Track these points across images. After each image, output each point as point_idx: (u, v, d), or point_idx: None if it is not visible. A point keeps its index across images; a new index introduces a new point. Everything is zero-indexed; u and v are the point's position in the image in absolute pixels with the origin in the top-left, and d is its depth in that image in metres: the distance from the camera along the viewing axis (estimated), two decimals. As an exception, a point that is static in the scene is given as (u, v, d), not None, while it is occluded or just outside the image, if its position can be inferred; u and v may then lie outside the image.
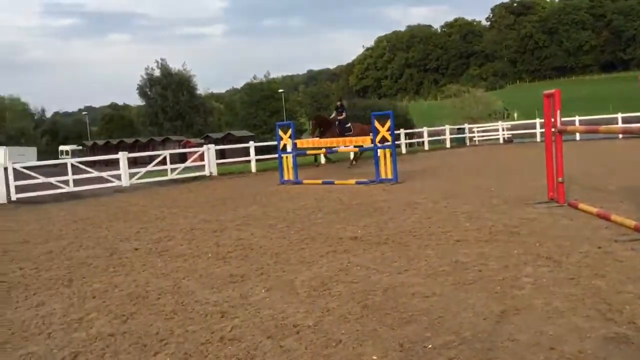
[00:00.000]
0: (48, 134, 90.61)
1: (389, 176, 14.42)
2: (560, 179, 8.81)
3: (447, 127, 34.65)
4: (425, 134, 32.80)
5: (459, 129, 37.00)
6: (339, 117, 20.12)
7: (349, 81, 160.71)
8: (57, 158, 53.77)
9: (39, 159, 54.42)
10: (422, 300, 4.82)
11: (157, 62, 65.09)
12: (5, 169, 15.98)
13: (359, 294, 5.09)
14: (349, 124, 20.23)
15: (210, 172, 20.83)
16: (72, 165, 17.85)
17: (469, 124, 39.33)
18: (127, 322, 4.79)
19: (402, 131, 30.26)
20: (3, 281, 6.55)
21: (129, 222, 10.80)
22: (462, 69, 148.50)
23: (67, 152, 62.28)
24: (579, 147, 23.84)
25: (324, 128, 19.41)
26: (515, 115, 59.83)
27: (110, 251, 7.92)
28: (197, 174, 20.93)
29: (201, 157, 21.47)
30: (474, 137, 36.34)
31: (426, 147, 32.48)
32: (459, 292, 4.95)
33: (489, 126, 38.52)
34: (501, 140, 35.04)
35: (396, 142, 29.50)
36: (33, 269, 7.14)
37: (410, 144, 33.43)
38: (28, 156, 59.09)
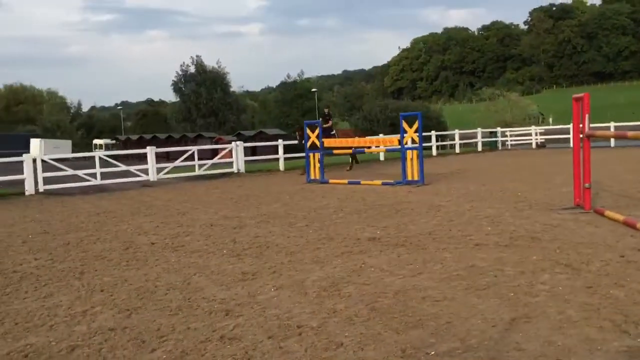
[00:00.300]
0: (83, 127, 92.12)
1: (416, 178, 14.22)
2: (587, 185, 8.54)
3: (479, 131, 34.18)
4: (457, 137, 32.41)
5: (491, 132, 36.45)
6: (324, 125, 20.03)
7: (384, 82, 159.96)
8: (91, 151, 54.64)
9: (73, 152, 55.33)
10: (432, 304, 4.67)
11: (192, 58, 65.71)
12: (34, 160, 16.20)
13: (369, 296, 4.96)
14: (334, 132, 20.22)
15: (238, 169, 20.84)
16: (101, 158, 18.02)
17: (502, 128, 38.75)
18: (131, 317, 4.74)
19: (433, 133, 29.95)
20: (16, 271, 6.58)
21: (151, 216, 10.82)
22: (499, 73, 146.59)
23: (100, 146, 63.25)
24: (613, 154, 23.27)
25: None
26: (551, 120, 58.84)
27: (126, 245, 7.91)
28: (225, 170, 20.97)
29: (230, 154, 21.46)
30: (507, 141, 35.79)
31: (457, 150, 32.08)
32: (471, 298, 4.79)
33: (522, 130, 37.88)
34: (534, 145, 34.42)
35: (427, 145, 29.35)
36: (48, 260, 7.17)
37: (442, 147, 33.06)
38: (63, 149, 60.20)
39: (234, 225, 9.18)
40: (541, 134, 35.97)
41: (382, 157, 25.06)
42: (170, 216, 10.66)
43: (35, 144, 59.80)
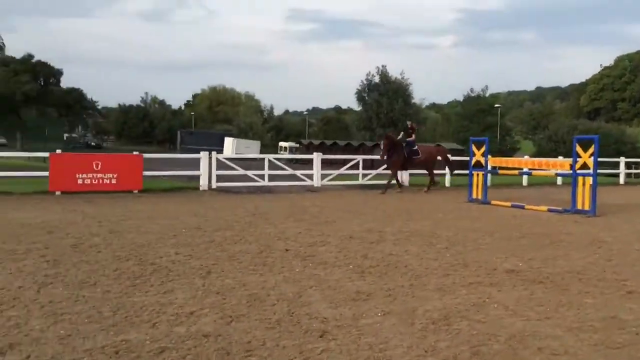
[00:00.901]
0: (274, 130, 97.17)
1: (586, 207, 12.97)
2: None
3: (680, 160, 30.60)
4: (651, 165, 29.33)
5: (695, 163, 32.44)
6: (407, 139, 19.16)
7: (579, 101, 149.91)
8: (277, 153, 57.67)
9: (262, 152, 58.58)
10: (546, 358, 4.11)
11: (377, 68, 66.47)
12: (210, 158, 17.27)
13: (478, 337, 4.51)
14: (416, 147, 19.23)
15: (402, 182, 20.56)
16: (270, 161, 18.79)
17: None
18: (230, 324, 4.73)
19: (622, 160, 27.36)
20: (154, 263, 6.94)
21: (299, 222, 10.96)
22: None
23: (285, 148, 66.21)
24: None
25: (392, 149, 18.45)
26: None
27: (262, 248, 8.04)
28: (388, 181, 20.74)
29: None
30: None
31: (651, 180, 29.02)
32: (597, 356, 4.15)
33: None
34: None
35: (614, 172, 26.93)
36: (187, 255, 7.48)
37: (635, 175, 30.10)
38: (252, 148, 63.98)
39: (373, 239, 8.98)
40: None
41: (559, 182, 23.34)
42: (317, 224, 10.71)
43: (228, 142, 64.29)
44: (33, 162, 24.64)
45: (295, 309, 5.17)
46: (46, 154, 16.59)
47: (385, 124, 61.25)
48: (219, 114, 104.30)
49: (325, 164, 22.99)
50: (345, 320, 4.90)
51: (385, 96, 62.75)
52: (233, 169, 18.03)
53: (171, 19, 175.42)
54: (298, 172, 18.99)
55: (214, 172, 17.39)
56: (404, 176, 20.67)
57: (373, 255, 7.72)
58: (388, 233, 9.68)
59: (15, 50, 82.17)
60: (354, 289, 5.89)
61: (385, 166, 19.51)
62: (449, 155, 20.86)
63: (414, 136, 19.37)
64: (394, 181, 18.84)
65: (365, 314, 5.08)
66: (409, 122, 20.49)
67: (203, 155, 17.44)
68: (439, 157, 20.21)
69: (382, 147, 18.56)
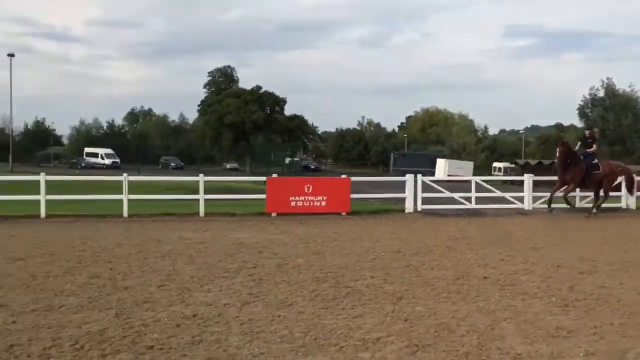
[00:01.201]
0: (487, 150, 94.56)
1: None
2: None
3: None
4: None
5: None
6: (588, 150, 16.76)
7: None
8: (490, 174, 56.14)
9: (474, 174, 57.31)
10: None
11: (602, 81, 61.75)
12: (416, 181, 17.23)
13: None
14: (596, 161, 16.68)
15: (627, 205, 18.66)
16: (477, 183, 18.27)
17: None
18: (415, 354, 4.63)
19: None
20: (348, 286, 7.05)
21: (503, 247, 10.45)
22: None
23: (499, 169, 64.10)
24: None
25: (570, 160, 15.94)
26: None
27: (459, 275, 7.79)
28: (612, 205, 18.94)
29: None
30: None
31: None
32: None
33: None
34: None
35: None
36: (381, 279, 7.50)
37: None
38: (465, 170, 62.79)
39: (584, 269, 8.24)
40: None
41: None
42: (522, 250, 10.13)
43: (440, 163, 63.95)
44: (258, 185, 26.60)
45: (486, 342, 4.91)
46: (264, 178, 17.81)
47: (612, 142, 56.61)
48: (431, 135, 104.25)
49: (543, 185, 21.71)
50: (541, 358, 4.55)
51: (612, 111, 57.99)
52: (439, 191, 17.81)
53: (387, 44, 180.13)
54: (507, 195, 18.17)
55: (419, 195, 17.30)
56: (629, 200, 18.70)
57: (581, 287, 7.09)
58: (603, 262, 8.82)
59: (247, 82, 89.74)
60: (554, 324, 5.44)
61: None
62: (634, 176, 18.19)
63: (594, 147, 17.27)
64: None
65: (565, 352, 4.67)
66: (587, 131, 18.33)
67: (408, 178, 17.48)
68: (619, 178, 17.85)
69: (557, 156, 16.75)
